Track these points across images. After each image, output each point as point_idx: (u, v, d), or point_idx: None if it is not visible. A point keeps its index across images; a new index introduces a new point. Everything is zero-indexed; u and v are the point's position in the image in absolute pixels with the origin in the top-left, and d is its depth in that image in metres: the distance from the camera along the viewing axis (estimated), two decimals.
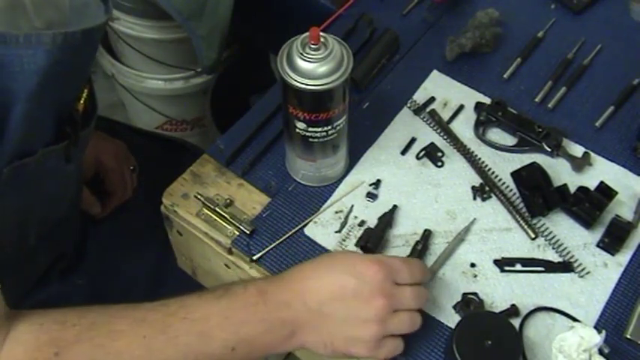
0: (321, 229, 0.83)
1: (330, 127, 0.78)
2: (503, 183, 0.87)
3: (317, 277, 0.69)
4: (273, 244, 0.81)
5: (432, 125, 0.92)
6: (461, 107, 0.94)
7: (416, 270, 0.72)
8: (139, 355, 0.65)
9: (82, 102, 0.74)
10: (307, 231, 0.83)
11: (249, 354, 0.69)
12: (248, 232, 0.82)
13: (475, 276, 0.80)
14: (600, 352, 0.72)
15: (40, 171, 0.69)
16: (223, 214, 0.83)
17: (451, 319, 0.77)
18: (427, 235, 0.82)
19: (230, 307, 0.67)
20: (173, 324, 0.66)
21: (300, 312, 0.67)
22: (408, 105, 0.94)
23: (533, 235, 0.83)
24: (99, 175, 1.03)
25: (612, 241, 0.82)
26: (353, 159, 0.89)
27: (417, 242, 0.82)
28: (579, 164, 0.88)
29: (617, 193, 0.83)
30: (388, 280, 0.68)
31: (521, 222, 0.84)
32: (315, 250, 0.82)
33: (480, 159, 0.89)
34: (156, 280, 0.98)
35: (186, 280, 0.96)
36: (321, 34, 0.72)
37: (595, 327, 0.76)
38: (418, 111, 0.93)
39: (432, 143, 0.90)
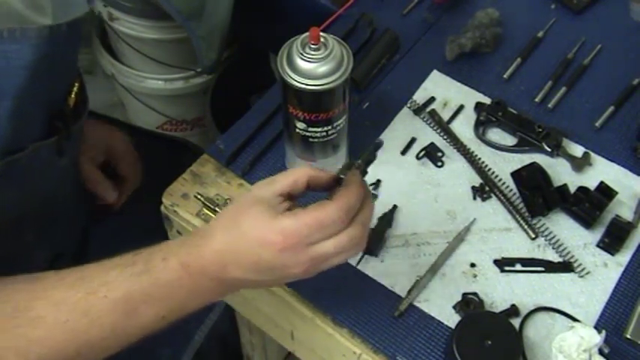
0: None
1: (330, 127, 0.78)
2: (503, 183, 0.87)
3: (232, 250, 0.64)
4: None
5: (432, 125, 0.92)
6: (461, 107, 0.94)
7: (334, 223, 0.63)
8: (63, 339, 0.63)
9: (73, 96, 0.73)
10: None
11: (181, 314, 0.67)
12: None
13: (475, 276, 0.80)
14: (600, 352, 0.72)
15: (32, 166, 0.69)
16: None
17: (451, 319, 0.77)
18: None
19: (153, 284, 0.64)
20: (95, 304, 0.64)
21: (226, 281, 0.65)
22: (408, 105, 0.94)
23: (533, 235, 0.83)
24: (109, 163, 1.00)
25: (612, 241, 0.82)
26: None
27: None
28: (579, 164, 0.88)
29: (617, 193, 0.83)
30: (300, 250, 0.62)
31: (521, 222, 0.84)
32: None
33: (480, 159, 0.89)
34: None
35: None
36: (321, 34, 0.72)
37: (595, 327, 0.76)
38: (418, 111, 0.93)
39: (432, 143, 0.90)
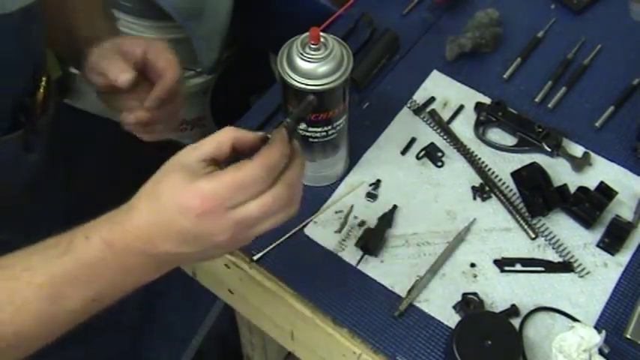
0: (321, 229, 0.83)
1: (330, 127, 0.78)
2: (504, 183, 0.87)
3: (156, 222, 0.60)
4: (274, 244, 0.81)
5: (432, 125, 0.92)
6: (461, 107, 0.94)
7: (253, 181, 0.58)
8: None
9: (41, 91, 0.71)
10: (307, 231, 0.83)
11: (115, 296, 0.63)
12: None
13: (475, 276, 0.80)
14: (600, 352, 0.72)
15: None
16: None
17: (451, 319, 0.77)
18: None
19: (76, 264, 0.60)
20: (19, 290, 0.60)
21: (155, 255, 0.61)
22: (408, 105, 0.94)
23: (533, 235, 0.83)
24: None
25: (612, 241, 0.82)
26: (353, 159, 0.89)
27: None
28: (579, 164, 0.88)
29: (617, 193, 0.83)
30: (222, 214, 0.58)
31: (521, 222, 0.84)
32: (315, 250, 0.82)
33: (480, 159, 0.89)
34: (154, 281, 0.97)
35: (185, 281, 0.96)
36: (321, 34, 0.72)
37: (595, 327, 0.76)
38: (418, 111, 0.93)
39: (432, 143, 0.90)
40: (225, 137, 0.61)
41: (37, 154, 0.74)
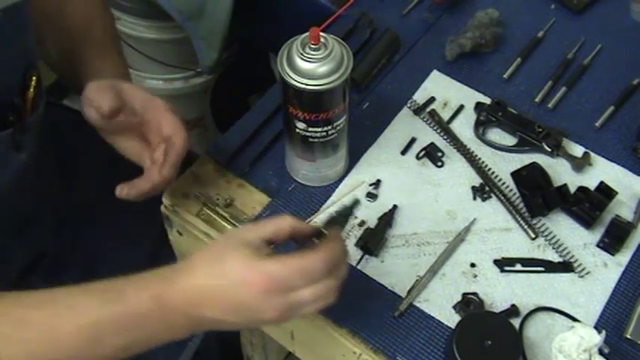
0: None
1: (330, 127, 0.78)
2: (504, 183, 0.87)
3: (208, 289, 0.64)
4: (273, 244, 0.81)
5: (432, 125, 0.92)
6: (461, 107, 0.94)
7: (313, 272, 0.64)
8: (24, 359, 0.62)
9: (31, 90, 0.71)
10: None
11: (145, 348, 0.66)
12: None
13: (475, 276, 0.80)
14: (600, 352, 0.72)
15: None
16: (223, 214, 0.83)
17: (451, 319, 0.77)
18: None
19: (123, 313, 0.63)
20: (60, 327, 0.62)
21: (198, 319, 0.65)
22: (408, 105, 0.94)
23: (533, 235, 0.83)
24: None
25: (612, 241, 0.82)
26: (353, 159, 0.89)
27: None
28: (579, 164, 0.88)
29: (617, 193, 0.83)
30: (279, 295, 0.63)
31: (521, 222, 0.84)
32: None
33: (479, 159, 0.89)
34: None
35: None
36: (321, 34, 0.72)
37: (595, 327, 0.76)
38: (418, 111, 0.93)
39: (432, 143, 0.90)
40: (285, 224, 0.66)
41: (26, 153, 0.74)
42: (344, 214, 0.72)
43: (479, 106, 0.93)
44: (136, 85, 0.80)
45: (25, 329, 0.62)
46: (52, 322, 0.63)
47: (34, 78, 0.72)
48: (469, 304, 0.78)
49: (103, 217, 0.98)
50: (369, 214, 0.84)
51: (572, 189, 0.85)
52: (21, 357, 0.62)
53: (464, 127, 0.92)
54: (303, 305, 0.64)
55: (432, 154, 0.89)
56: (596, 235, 0.83)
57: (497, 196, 0.86)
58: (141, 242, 0.98)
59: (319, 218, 0.82)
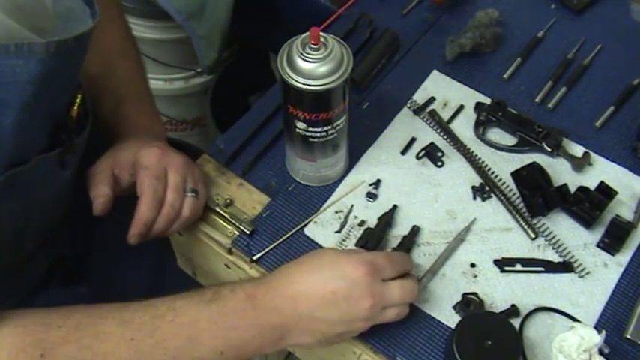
0: (321, 229, 0.83)
1: (330, 127, 0.78)
2: (504, 183, 0.87)
3: (306, 282, 0.68)
4: (273, 244, 0.81)
5: (432, 125, 0.92)
6: (461, 107, 0.94)
7: (400, 263, 0.73)
8: (127, 357, 0.64)
9: (75, 108, 0.73)
10: (307, 231, 0.83)
11: (238, 357, 0.69)
12: (248, 232, 0.82)
13: (475, 276, 0.80)
14: (600, 352, 0.72)
15: (35, 179, 0.68)
16: (223, 214, 0.83)
17: (451, 319, 0.77)
18: (415, 230, 0.83)
19: (219, 311, 0.67)
20: (161, 327, 0.65)
21: (291, 317, 0.67)
22: (408, 105, 0.94)
23: (533, 235, 0.83)
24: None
25: (612, 241, 0.82)
26: (353, 159, 0.89)
27: (405, 237, 0.82)
28: (579, 164, 0.88)
29: (617, 193, 0.83)
30: (377, 280, 0.69)
31: (521, 222, 0.84)
32: None
33: (479, 159, 0.89)
34: (156, 284, 0.97)
35: (186, 281, 0.96)
36: (321, 34, 0.72)
37: (595, 327, 0.76)
38: (418, 111, 0.93)
39: (432, 143, 0.90)
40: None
41: (70, 170, 0.76)
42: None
43: (479, 106, 0.93)
44: (127, 156, 0.80)
45: (128, 328, 0.65)
46: (154, 322, 0.65)
47: (79, 96, 0.74)
48: (469, 304, 0.78)
49: (116, 219, 0.99)
50: (369, 214, 0.84)
51: (572, 189, 0.85)
52: (124, 356, 0.64)
53: (464, 127, 0.92)
54: (393, 299, 0.70)
55: (432, 154, 0.89)
56: (596, 235, 0.83)
57: (497, 196, 0.86)
58: (147, 245, 0.98)
59: (319, 218, 0.82)
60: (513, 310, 0.77)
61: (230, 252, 0.82)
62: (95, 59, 0.87)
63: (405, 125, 0.92)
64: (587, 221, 0.83)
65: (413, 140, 0.91)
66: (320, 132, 0.78)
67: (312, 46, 0.71)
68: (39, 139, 0.68)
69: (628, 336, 0.76)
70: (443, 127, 0.92)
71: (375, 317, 0.70)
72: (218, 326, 0.66)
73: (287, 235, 0.82)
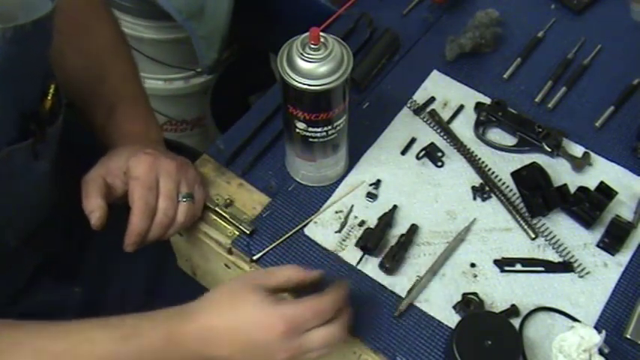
0: (321, 229, 0.83)
1: (330, 127, 0.78)
2: (504, 183, 0.87)
3: (224, 328, 0.67)
4: (273, 244, 0.81)
5: (432, 125, 0.92)
6: (461, 107, 0.94)
7: (327, 310, 0.69)
8: None
9: (49, 98, 0.72)
10: (307, 231, 0.83)
11: None
12: (248, 232, 0.82)
13: (475, 276, 0.80)
14: (600, 352, 0.72)
15: (7, 170, 0.68)
16: (223, 214, 0.83)
17: (451, 319, 0.77)
18: (414, 229, 0.82)
19: (138, 350, 0.66)
20: (81, 356, 0.65)
21: (208, 356, 0.68)
22: (408, 105, 0.94)
23: (533, 235, 0.83)
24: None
25: (612, 241, 0.82)
26: (353, 159, 0.89)
27: (402, 235, 0.82)
28: (579, 164, 0.88)
29: (617, 193, 0.83)
30: (295, 336, 0.67)
31: (521, 222, 0.84)
32: (315, 250, 0.82)
33: (479, 159, 0.89)
34: (155, 283, 0.97)
35: (186, 281, 0.96)
36: (321, 34, 0.72)
37: (595, 327, 0.76)
38: (418, 111, 0.93)
39: (432, 143, 0.90)
40: (295, 275, 0.71)
41: (44, 161, 0.75)
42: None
43: (479, 106, 0.93)
44: (117, 165, 0.79)
45: (43, 359, 0.64)
46: (73, 352, 0.65)
47: (52, 86, 0.73)
48: (469, 304, 0.78)
49: (112, 218, 0.98)
50: (369, 214, 0.84)
51: (572, 189, 0.85)
52: None
53: (464, 127, 0.92)
54: (314, 347, 0.68)
55: (432, 154, 0.89)
56: (596, 235, 0.83)
57: (497, 196, 0.86)
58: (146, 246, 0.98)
59: (319, 218, 0.82)
60: (513, 310, 0.77)
61: (230, 252, 0.82)
62: (85, 62, 0.86)
63: (405, 125, 0.92)
64: (587, 221, 0.83)
65: (413, 140, 0.91)
66: (320, 132, 0.78)
67: (312, 46, 0.71)
68: (8, 130, 0.67)
69: (628, 336, 0.76)
70: (443, 127, 0.92)
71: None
72: None
73: (287, 235, 0.82)
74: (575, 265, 0.81)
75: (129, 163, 0.77)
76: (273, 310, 0.67)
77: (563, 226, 0.84)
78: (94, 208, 0.75)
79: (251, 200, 0.85)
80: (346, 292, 0.71)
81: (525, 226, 0.83)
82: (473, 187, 0.87)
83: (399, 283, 0.79)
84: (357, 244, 0.81)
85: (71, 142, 0.94)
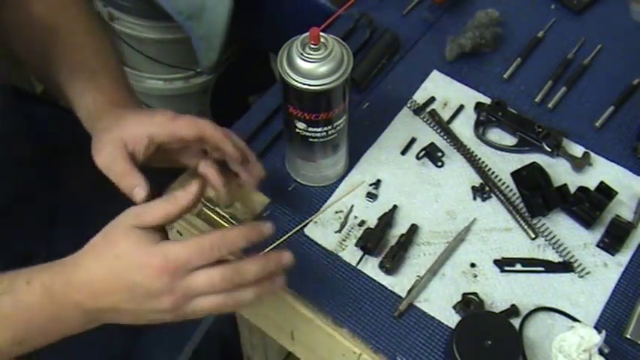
0: (321, 229, 0.83)
1: (330, 127, 0.78)
2: (504, 183, 0.87)
3: (103, 280, 0.63)
4: (273, 244, 0.81)
5: (432, 125, 0.92)
6: (461, 107, 0.94)
7: (210, 246, 0.62)
8: None
9: None
10: (307, 231, 0.83)
11: (38, 344, 0.65)
12: None
13: (475, 276, 0.80)
14: (600, 352, 0.72)
15: None
16: (223, 214, 0.83)
17: (451, 319, 0.77)
18: (414, 229, 0.82)
19: (14, 306, 0.62)
20: None
21: (93, 311, 0.64)
22: (408, 105, 0.94)
23: (533, 235, 0.83)
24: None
25: (612, 241, 0.82)
26: (353, 159, 0.89)
27: (402, 235, 0.82)
28: (579, 164, 0.88)
29: (617, 193, 0.83)
30: (177, 276, 0.61)
31: (521, 222, 0.84)
32: (315, 250, 0.82)
33: (479, 159, 0.89)
34: None
35: None
36: (321, 34, 0.72)
37: (595, 327, 0.76)
38: (418, 111, 0.93)
39: (432, 143, 0.90)
40: (172, 209, 0.65)
41: None
42: None
43: (479, 106, 0.93)
44: (135, 127, 0.74)
45: None
46: None
47: None
48: (469, 304, 0.78)
49: (93, 218, 0.97)
50: (369, 214, 0.84)
51: (572, 189, 0.85)
52: None
53: (464, 127, 0.92)
54: (198, 292, 0.62)
55: (432, 154, 0.89)
56: (596, 235, 0.83)
57: (497, 196, 0.86)
58: None
59: (319, 218, 0.83)
60: (513, 310, 0.77)
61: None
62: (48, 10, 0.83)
63: (405, 125, 0.92)
64: (587, 221, 0.83)
65: (413, 140, 0.91)
66: (320, 132, 0.78)
67: (312, 46, 0.71)
68: None
69: (628, 336, 0.76)
70: (443, 127, 0.92)
71: (182, 309, 0.63)
72: (12, 320, 0.62)
73: (287, 236, 0.82)
74: (575, 265, 0.81)
75: (176, 125, 0.73)
76: (152, 249, 0.62)
77: (563, 226, 0.84)
78: (136, 183, 0.70)
79: (251, 200, 0.85)
80: (247, 231, 0.64)
81: (525, 226, 0.83)
82: (473, 187, 0.87)
83: (399, 283, 0.79)
84: (357, 244, 0.81)
85: (46, 138, 0.92)
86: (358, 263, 0.81)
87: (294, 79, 0.72)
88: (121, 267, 0.62)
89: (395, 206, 0.85)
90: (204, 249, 0.62)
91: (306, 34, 0.72)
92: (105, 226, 0.65)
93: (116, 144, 0.71)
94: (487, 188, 0.87)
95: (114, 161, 0.71)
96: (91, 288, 0.63)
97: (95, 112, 0.77)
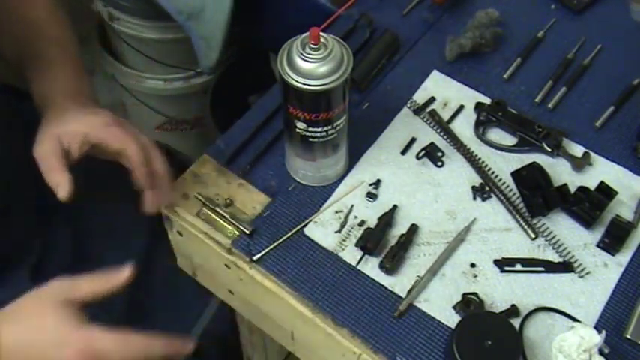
0: (321, 229, 0.83)
1: (330, 127, 0.78)
2: (504, 183, 0.87)
3: (21, 342, 0.64)
4: (273, 245, 0.81)
5: (432, 125, 0.92)
6: (461, 107, 0.94)
7: (134, 351, 0.65)
8: None
9: None
10: (307, 231, 0.83)
11: None
12: (248, 232, 0.82)
13: (475, 276, 0.80)
14: (600, 352, 0.72)
15: None
16: (223, 214, 0.83)
17: (451, 319, 0.77)
18: (414, 229, 0.82)
19: None
20: None
21: None
22: (408, 105, 0.94)
23: (533, 235, 0.83)
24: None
25: (612, 241, 0.82)
26: (353, 159, 0.89)
27: (402, 235, 0.82)
28: (579, 164, 0.88)
29: (617, 193, 0.83)
30: None
31: (521, 222, 0.84)
32: (315, 250, 0.82)
33: (479, 159, 0.89)
34: (143, 272, 0.95)
35: (175, 279, 0.95)
36: (321, 34, 0.72)
37: (595, 327, 0.76)
38: (418, 111, 0.93)
39: (432, 143, 0.90)
40: (99, 288, 0.67)
41: None
42: None
43: (479, 106, 0.93)
44: (72, 126, 0.76)
45: None
46: None
47: None
48: (469, 304, 0.78)
49: (90, 213, 0.96)
50: (369, 214, 0.84)
51: (572, 189, 0.85)
52: None
53: (464, 127, 0.92)
54: None
55: (432, 154, 0.89)
56: (596, 235, 0.83)
57: (497, 196, 0.86)
58: (129, 240, 0.97)
59: (319, 218, 0.82)
60: (513, 310, 0.77)
61: (230, 252, 0.82)
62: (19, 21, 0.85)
63: (405, 125, 0.92)
64: (587, 221, 0.83)
65: (413, 140, 0.91)
66: (320, 132, 0.78)
67: (312, 46, 0.71)
68: None
69: (628, 336, 0.76)
70: (443, 127, 0.92)
71: None
72: None
73: (287, 236, 0.82)
74: (575, 265, 0.81)
75: (112, 138, 0.75)
76: (78, 331, 0.64)
77: (563, 226, 0.84)
78: (60, 180, 0.72)
79: (251, 200, 0.85)
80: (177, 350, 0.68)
81: (525, 226, 0.84)
82: (473, 187, 0.87)
83: (399, 283, 0.79)
84: (357, 244, 0.81)
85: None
86: (358, 263, 0.81)
87: (294, 79, 0.72)
88: (42, 339, 0.63)
89: (395, 206, 0.85)
90: (129, 349, 0.64)
91: (306, 34, 0.72)
92: (35, 290, 0.66)
93: (52, 139, 0.74)
94: (487, 188, 0.87)
95: (46, 155, 0.73)
96: (5, 350, 0.63)
97: (47, 100, 0.79)
